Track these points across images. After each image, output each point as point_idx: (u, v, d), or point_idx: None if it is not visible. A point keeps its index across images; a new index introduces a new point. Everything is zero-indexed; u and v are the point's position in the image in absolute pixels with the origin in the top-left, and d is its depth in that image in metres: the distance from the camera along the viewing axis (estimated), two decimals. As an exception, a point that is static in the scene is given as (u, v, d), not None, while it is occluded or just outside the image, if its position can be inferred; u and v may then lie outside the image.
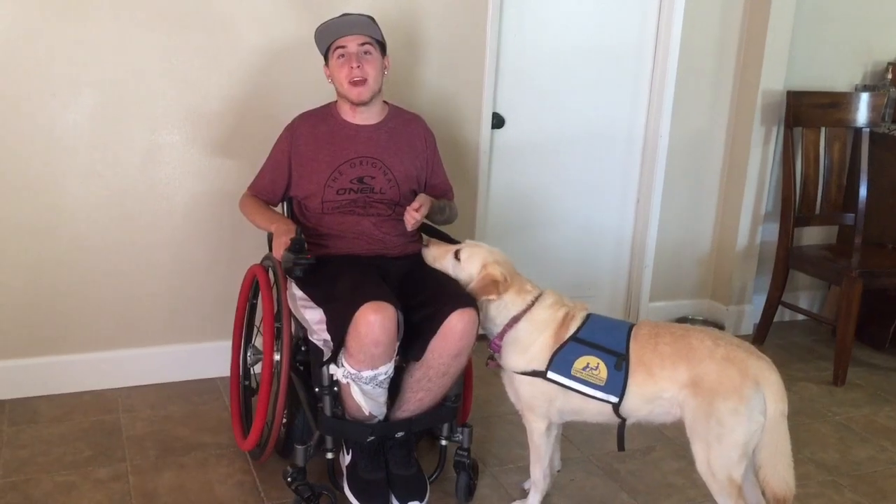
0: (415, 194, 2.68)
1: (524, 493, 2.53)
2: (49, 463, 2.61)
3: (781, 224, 3.87)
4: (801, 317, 4.24)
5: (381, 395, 2.26)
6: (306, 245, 2.33)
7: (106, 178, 2.97)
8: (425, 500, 2.34)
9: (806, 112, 3.78)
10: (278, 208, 2.72)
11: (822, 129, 3.85)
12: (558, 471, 2.59)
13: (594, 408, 2.23)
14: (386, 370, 2.20)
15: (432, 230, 2.71)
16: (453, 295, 2.27)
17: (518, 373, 2.29)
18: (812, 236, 4.18)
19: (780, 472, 2.11)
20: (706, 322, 4.09)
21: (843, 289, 3.52)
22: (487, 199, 3.64)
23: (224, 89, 3.04)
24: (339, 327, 2.17)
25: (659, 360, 2.15)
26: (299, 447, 2.28)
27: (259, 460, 2.60)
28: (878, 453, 2.98)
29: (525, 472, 2.68)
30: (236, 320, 2.83)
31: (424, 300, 2.28)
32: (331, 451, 2.32)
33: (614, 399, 2.18)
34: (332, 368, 2.21)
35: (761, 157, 3.91)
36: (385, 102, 2.69)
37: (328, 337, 2.22)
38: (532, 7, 3.52)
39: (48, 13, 2.78)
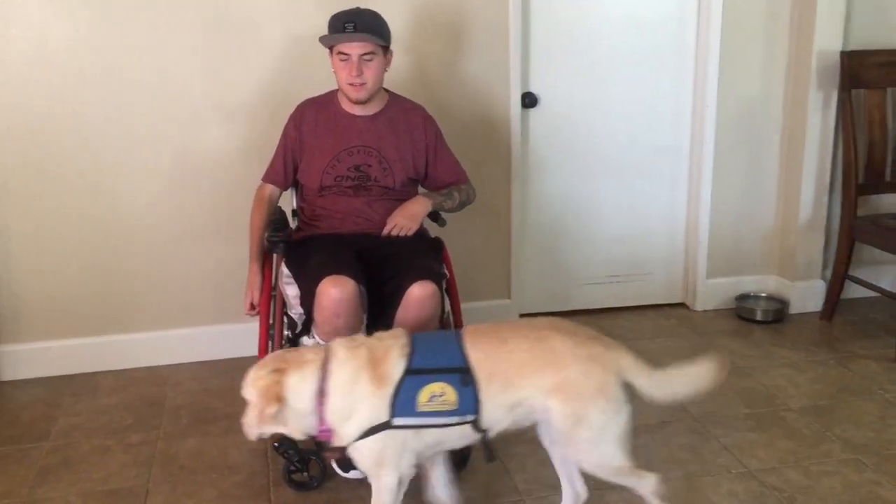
0: (413, 182, 2.77)
1: (519, 466, 2.57)
2: (94, 429, 2.91)
3: (844, 193, 3.65)
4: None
5: (355, 365, 2.36)
6: (288, 223, 2.48)
7: (154, 171, 3.27)
8: (403, 466, 2.42)
9: (867, 72, 3.54)
10: (288, 192, 2.88)
11: (889, 90, 3.59)
12: None
13: (455, 433, 2.04)
14: (353, 341, 2.30)
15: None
16: (414, 268, 2.35)
17: (361, 439, 1.99)
18: (896, 205, 3.90)
19: None
20: (770, 298, 3.92)
21: (902, 259, 3.29)
22: (525, 181, 3.67)
23: (256, 85, 3.26)
24: (307, 301, 2.31)
25: (517, 368, 2.00)
26: (284, 414, 2.43)
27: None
28: (919, 432, 2.79)
29: (529, 444, 2.70)
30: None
31: (392, 274, 2.38)
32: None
33: (471, 417, 1.99)
34: (306, 340, 2.35)
35: (821, 123, 3.69)
36: (386, 91, 2.78)
37: (302, 310, 2.36)
38: (562, -17, 3.52)
39: (96, 26, 3.10)
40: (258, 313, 2.63)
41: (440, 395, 1.96)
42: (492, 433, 2.05)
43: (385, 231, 2.61)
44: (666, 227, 3.93)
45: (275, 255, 2.70)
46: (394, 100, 2.78)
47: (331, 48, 2.61)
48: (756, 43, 3.69)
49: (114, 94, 3.17)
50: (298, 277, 2.43)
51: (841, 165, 3.73)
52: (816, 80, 3.63)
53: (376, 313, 2.38)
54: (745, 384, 3.17)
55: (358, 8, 2.60)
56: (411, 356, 1.99)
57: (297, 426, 2.01)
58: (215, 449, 2.77)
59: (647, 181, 3.84)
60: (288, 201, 2.92)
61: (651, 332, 3.73)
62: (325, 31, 2.61)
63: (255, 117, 3.27)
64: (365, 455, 2.02)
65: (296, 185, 2.84)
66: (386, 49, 2.62)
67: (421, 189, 2.86)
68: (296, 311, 2.44)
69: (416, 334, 2.08)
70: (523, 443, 2.69)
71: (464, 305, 2.76)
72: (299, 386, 1.97)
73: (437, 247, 2.72)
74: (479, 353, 1.99)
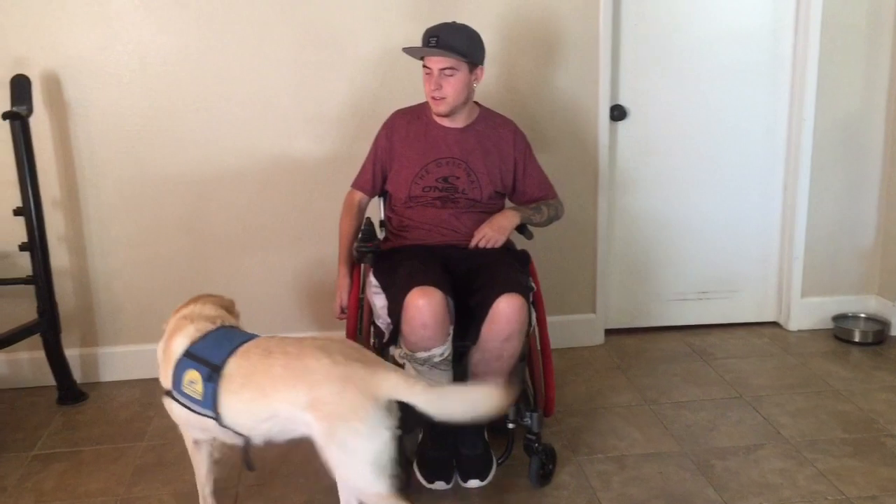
0: (499, 195, 2.78)
1: (604, 484, 2.54)
2: (187, 431, 3.00)
3: (951, 209, 3.48)
4: None
5: (441, 376, 2.37)
6: (376, 234, 2.51)
7: (247, 180, 3.36)
8: (487, 479, 2.42)
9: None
10: (374, 202, 2.92)
11: None
12: None
13: (217, 427, 2.12)
14: (440, 352, 2.31)
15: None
16: (502, 281, 2.35)
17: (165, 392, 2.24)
18: None
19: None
20: (869, 319, 3.76)
21: None
22: (612, 193, 3.63)
23: (346, 96, 3.32)
24: (395, 311, 2.33)
25: (271, 381, 2.02)
26: (370, 423, 2.46)
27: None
28: None
29: (615, 461, 2.68)
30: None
31: (479, 286, 2.38)
32: (399, 428, 2.46)
33: (210, 413, 2.07)
34: (392, 349, 2.37)
35: (927, 136, 3.54)
36: (477, 104, 2.79)
37: (389, 320, 2.39)
38: (653, -6, 3.49)
39: (194, 39, 3.22)
40: (347, 317, 2.67)
41: (193, 383, 2.09)
42: (254, 440, 2.12)
43: (473, 242, 2.61)
44: (759, 243, 3.82)
45: (362, 266, 2.74)
46: (485, 114, 2.79)
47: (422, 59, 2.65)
48: (857, 54, 3.56)
49: (209, 105, 3.27)
50: (386, 288, 2.46)
51: (948, 181, 3.57)
52: (922, 92, 3.48)
53: (463, 325, 2.38)
54: (842, 408, 3.05)
55: (450, 22, 2.63)
56: (197, 341, 2.14)
57: None
58: (300, 454, 2.80)
59: (739, 195, 3.74)
60: (376, 212, 2.96)
61: (742, 351, 3.62)
62: (414, 42, 2.64)
63: (346, 127, 3.34)
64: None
65: (384, 195, 2.87)
66: (473, 65, 2.62)
67: (508, 203, 2.86)
68: (383, 321, 2.47)
69: (226, 327, 2.22)
70: (609, 461, 2.68)
71: (548, 319, 2.74)
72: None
73: (523, 259, 2.71)
74: (244, 361, 2.07)
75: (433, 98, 2.62)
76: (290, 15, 3.23)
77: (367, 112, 3.27)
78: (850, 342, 3.67)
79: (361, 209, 2.82)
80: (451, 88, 2.59)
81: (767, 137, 3.70)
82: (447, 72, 2.56)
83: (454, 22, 2.63)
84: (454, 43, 2.55)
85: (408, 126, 2.76)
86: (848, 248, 3.80)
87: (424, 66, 2.62)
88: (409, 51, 2.62)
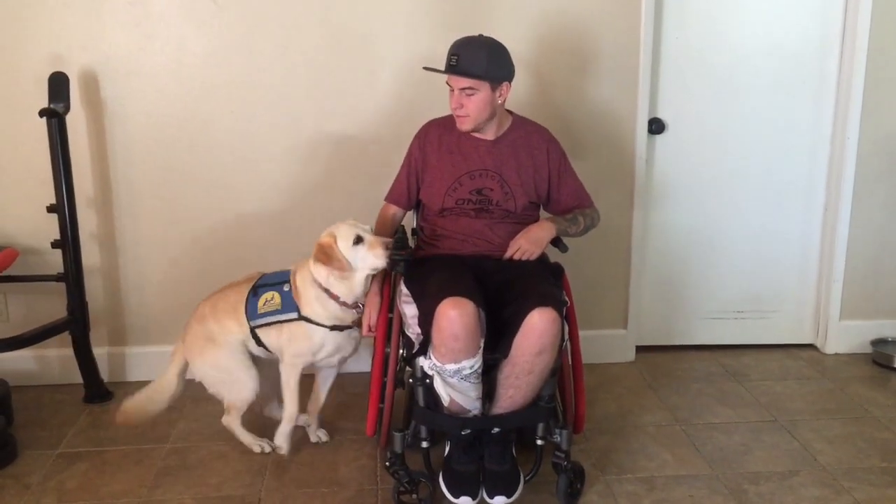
0: (534, 206, 2.73)
1: (634, 504, 2.49)
2: (211, 434, 2.98)
3: None
4: None
5: (470, 389, 2.33)
6: (409, 242, 2.48)
7: (276, 184, 3.34)
8: (513, 496, 2.37)
9: None
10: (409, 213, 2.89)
11: None
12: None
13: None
14: (470, 364, 2.27)
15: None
16: (536, 294, 2.30)
17: None
18: None
19: None
20: (910, 346, 3.67)
21: None
22: (647, 209, 3.56)
23: (380, 102, 3.29)
24: (426, 321, 2.29)
25: None
26: (396, 434, 2.42)
27: (382, 446, 2.77)
28: None
29: (644, 482, 2.62)
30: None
31: (512, 298, 2.33)
32: (425, 440, 2.43)
33: None
34: (421, 360, 2.33)
35: (975, 157, 3.44)
36: (510, 113, 2.76)
37: (420, 331, 2.35)
38: (696, 7, 3.42)
39: (227, 41, 3.21)
40: (375, 334, 2.64)
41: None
42: None
43: (507, 254, 2.57)
44: (797, 264, 3.73)
45: (394, 274, 2.70)
46: (518, 122, 2.74)
47: None
48: (904, 73, 3.48)
49: (243, 107, 3.26)
50: (417, 297, 2.42)
51: None
52: (971, 113, 3.38)
53: (494, 337, 2.33)
54: (881, 436, 2.95)
55: (475, 37, 2.57)
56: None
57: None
58: (325, 462, 2.78)
59: (778, 214, 3.66)
60: (409, 220, 2.93)
61: (778, 373, 3.54)
62: (446, 51, 2.61)
63: (380, 133, 3.30)
64: None
65: (417, 204, 2.84)
66: (496, 82, 2.56)
67: (543, 213, 2.81)
68: (413, 330, 2.43)
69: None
70: (638, 482, 2.63)
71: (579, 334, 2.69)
72: None
73: (557, 272, 2.67)
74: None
75: (456, 115, 2.60)
76: (325, 21, 3.21)
77: (399, 120, 3.23)
78: (889, 367, 3.57)
79: (395, 223, 2.80)
80: (473, 106, 2.56)
81: (809, 156, 3.62)
82: (467, 91, 2.53)
83: (480, 36, 2.58)
84: (474, 63, 2.50)
85: (440, 138, 2.72)
86: (889, 271, 3.70)
87: (447, 83, 2.59)
88: (431, 70, 2.59)
